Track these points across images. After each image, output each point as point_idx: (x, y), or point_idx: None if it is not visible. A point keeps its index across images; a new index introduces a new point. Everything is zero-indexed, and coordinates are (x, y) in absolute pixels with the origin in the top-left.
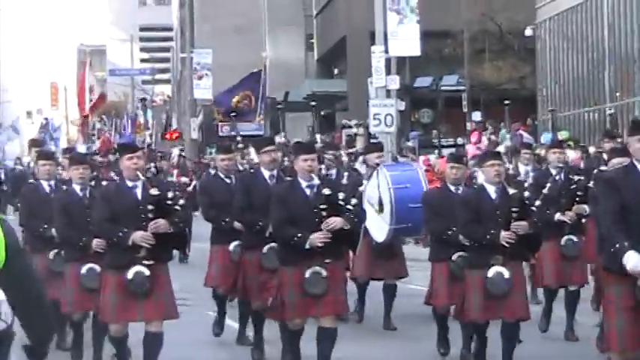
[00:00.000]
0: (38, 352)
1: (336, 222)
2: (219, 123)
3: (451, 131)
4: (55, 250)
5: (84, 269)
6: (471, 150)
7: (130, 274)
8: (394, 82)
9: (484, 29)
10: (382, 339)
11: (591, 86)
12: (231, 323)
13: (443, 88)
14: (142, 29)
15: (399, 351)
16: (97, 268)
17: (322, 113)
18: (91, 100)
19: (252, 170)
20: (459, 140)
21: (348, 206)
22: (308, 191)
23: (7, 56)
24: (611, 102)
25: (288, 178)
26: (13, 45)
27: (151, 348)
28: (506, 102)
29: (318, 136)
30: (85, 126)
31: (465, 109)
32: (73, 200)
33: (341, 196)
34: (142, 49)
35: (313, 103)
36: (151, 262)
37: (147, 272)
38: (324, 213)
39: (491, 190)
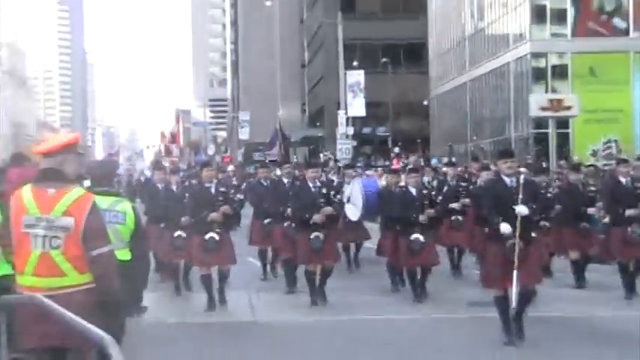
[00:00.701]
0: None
1: (327, 209)
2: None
3: (381, 158)
4: (163, 224)
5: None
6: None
7: (206, 237)
8: (350, 131)
9: (402, 100)
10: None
11: (462, 133)
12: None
13: (377, 134)
14: (210, 100)
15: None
16: (216, 236)
17: (311, 147)
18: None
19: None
20: (387, 163)
21: (335, 199)
22: (313, 190)
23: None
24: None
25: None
26: (135, 105)
27: (220, 280)
28: (419, 140)
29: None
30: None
31: (390, 145)
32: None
33: (332, 193)
34: (211, 111)
35: (306, 142)
36: (219, 230)
37: (217, 237)
38: (322, 203)
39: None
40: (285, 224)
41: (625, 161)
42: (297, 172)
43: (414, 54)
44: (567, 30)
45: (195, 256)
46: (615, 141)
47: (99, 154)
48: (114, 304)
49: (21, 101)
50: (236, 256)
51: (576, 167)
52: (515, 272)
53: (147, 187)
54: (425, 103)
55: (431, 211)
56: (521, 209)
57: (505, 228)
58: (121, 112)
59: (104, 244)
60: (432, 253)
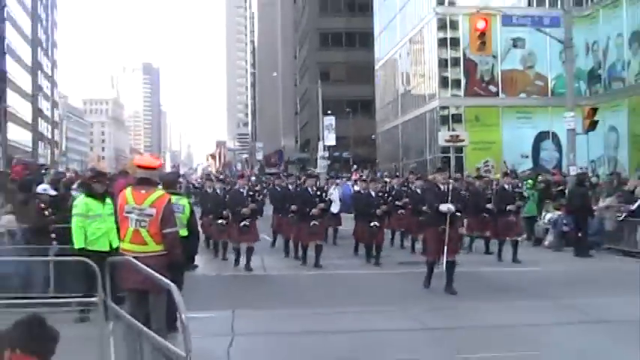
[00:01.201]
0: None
1: (321, 205)
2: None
3: (345, 172)
4: (211, 216)
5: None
6: (353, 178)
7: (241, 224)
8: (326, 154)
9: (358, 135)
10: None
11: (396, 156)
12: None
13: (343, 156)
14: (238, 134)
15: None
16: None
17: (301, 165)
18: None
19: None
20: (349, 175)
21: (326, 199)
22: (311, 192)
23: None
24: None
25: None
26: (191, 137)
27: (247, 252)
28: (377, 160)
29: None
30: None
31: (351, 163)
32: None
33: (323, 195)
34: (238, 141)
35: (299, 162)
36: (249, 220)
37: (248, 224)
38: (317, 201)
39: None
40: (290, 216)
41: (507, 174)
42: (299, 181)
43: (366, 106)
44: (461, 92)
45: (232, 236)
46: (489, 161)
47: (167, 168)
48: (177, 264)
49: (120, 135)
50: (259, 236)
51: (480, 177)
52: (445, 248)
53: (200, 191)
54: (373, 137)
55: (384, 207)
56: (450, 207)
57: (444, 207)
58: (182, 140)
59: (173, 225)
60: (382, 235)
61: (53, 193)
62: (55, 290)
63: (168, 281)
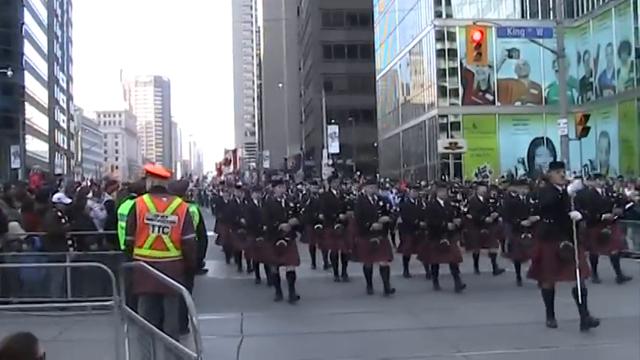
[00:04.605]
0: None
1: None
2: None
3: (349, 178)
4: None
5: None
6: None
7: (277, 245)
8: (330, 162)
9: (360, 143)
10: None
11: (397, 162)
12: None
13: (346, 163)
14: (245, 143)
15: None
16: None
17: (306, 172)
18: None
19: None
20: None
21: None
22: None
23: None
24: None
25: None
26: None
27: (289, 280)
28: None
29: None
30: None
31: (354, 170)
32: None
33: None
34: (246, 150)
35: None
36: (288, 239)
37: (285, 243)
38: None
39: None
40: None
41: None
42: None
43: (368, 115)
44: (459, 101)
45: (267, 257)
46: (486, 167)
47: (178, 177)
48: (192, 268)
49: (132, 145)
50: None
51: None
52: (574, 268)
53: (214, 198)
54: (375, 144)
55: (457, 220)
56: (577, 214)
57: (574, 214)
58: (192, 150)
59: (191, 232)
60: (458, 253)
61: (68, 201)
62: (72, 294)
63: (180, 285)
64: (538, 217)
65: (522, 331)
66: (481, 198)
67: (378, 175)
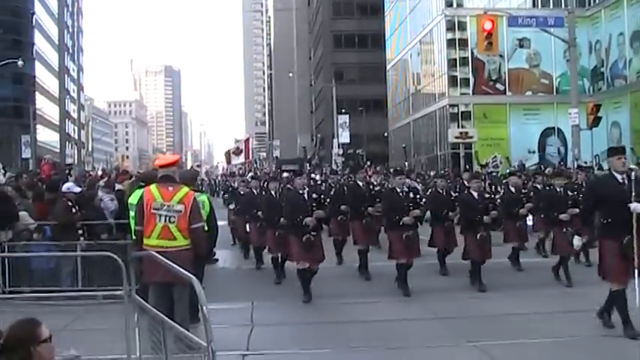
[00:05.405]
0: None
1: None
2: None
3: (359, 170)
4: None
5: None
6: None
7: (304, 240)
8: (340, 152)
9: (371, 133)
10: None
11: (407, 152)
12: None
13: (357, 153)
14: (256, 133)
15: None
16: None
17: (315, 162)
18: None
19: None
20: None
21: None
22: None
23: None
24: (413, 158)
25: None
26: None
27: (310, 275)
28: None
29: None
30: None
31: (364, 160)
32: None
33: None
34: (256, 140)
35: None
36: (315, 233)
37: (312, 238)
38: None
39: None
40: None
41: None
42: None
43: (379, 105)
44: (470, 90)
45: (292, 254)
46: (497, 156)
47: (188, 167)
48: (201, 257)
49: (143, 135)
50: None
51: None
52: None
53: (225, 187)
54: (385, 134)
55: (493, 213)
56: (637, 206)
57: (634, 205)
58: (203, 140)
59: (199, 221)
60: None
61: (77, 190)
62: (83, 284)
63: (190, 274)
64: (577, 210)
65: (532, 322)
66: (513, 189)
67: (386, 165)
